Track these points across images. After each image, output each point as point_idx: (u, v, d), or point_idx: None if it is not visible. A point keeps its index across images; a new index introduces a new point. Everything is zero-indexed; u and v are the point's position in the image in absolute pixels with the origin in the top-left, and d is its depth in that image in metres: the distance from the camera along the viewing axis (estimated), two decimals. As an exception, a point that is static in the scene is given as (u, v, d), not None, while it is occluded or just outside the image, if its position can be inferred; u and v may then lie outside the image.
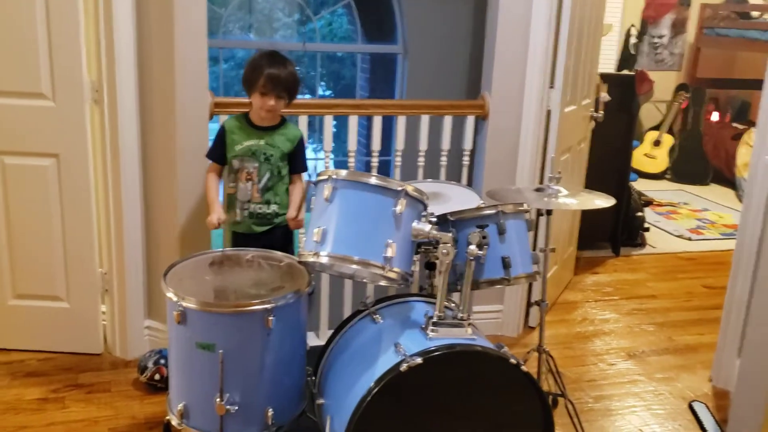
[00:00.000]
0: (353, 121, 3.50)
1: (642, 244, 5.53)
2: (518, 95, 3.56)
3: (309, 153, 3.18)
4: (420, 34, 4.17)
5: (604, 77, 4.67)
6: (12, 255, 3.31)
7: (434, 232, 2.28)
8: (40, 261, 3.31)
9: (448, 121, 3.60)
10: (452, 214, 2.49)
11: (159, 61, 3.13)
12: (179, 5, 3.02)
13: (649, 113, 8.01)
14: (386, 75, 4.79)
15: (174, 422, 2.46)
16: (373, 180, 2.28)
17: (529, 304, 3.90)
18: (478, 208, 2.53)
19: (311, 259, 2.29)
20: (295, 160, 3.02)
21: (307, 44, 5.22)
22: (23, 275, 3.34)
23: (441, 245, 2.26)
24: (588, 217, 4.76)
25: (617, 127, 5.09)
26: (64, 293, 3.36)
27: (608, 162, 5.00)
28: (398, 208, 2.25)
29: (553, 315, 4.17)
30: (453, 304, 2.48)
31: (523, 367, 2.22)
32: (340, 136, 4.89)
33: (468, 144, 3.66)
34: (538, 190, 2.90)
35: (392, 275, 2.26)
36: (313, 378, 2.58)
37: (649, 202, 6.44)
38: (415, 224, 2.30)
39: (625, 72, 7.24)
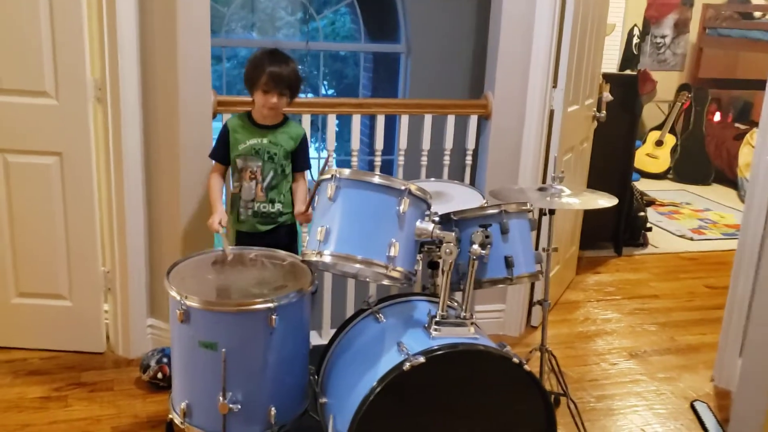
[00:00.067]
0: (356, 120, 3.51)
1: (644, 243, 5.53)
2: (521, 95, 3.56)
3: (312, 152, 3.18)
4: (423, 34, 4.17)
5: (607, 77, 4.67)
6: (15, 253, 3.31)
7: (437, 231, 2.28)
8: (42, 259, 3.32)
9: (451, 121, 3.60)
10: (455, 213, 2.49)
11: (162, 59, 3.13)
12: (182, 3, 3.02)
13: (651, 113, 8.00)
14: (389, 74, 4.80)
15: (177, 421, 2.47)
16: (377, 179, 2.28)
17: (531, 304, 3.91)
18: (481, 208, 2.53)
19: (314, 258, 2.29)
20: (298, 158, 3.02)
21: (310, 43, 5.22)
22: (26, 273, 3.34)
23: (444, 244, 2.26)
24: (590, 216, 4.77)
25: (620, 127, 5.09)
26: (67, 292, 3.37)
27: (611, 162, 5.00)
28: (401, 208, 2.25)
29: (555, 314, 4.17)
30: (456, 304, 2.48)
31: (526, 367, 2.22)
32: (342, 135, 4.90)
33: (471, 143, 3.66)
34: (540, 189, 2.90)
35: (395, 274, 2.26)
36: (316, 377, 2.59)
37: (651, 202, 6.44)
38: (418, 223, 2.30)
39: (628, 72, 7.24)
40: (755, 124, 5.28)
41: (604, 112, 4.41)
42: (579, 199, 2.85)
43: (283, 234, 3.01)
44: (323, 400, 2.47)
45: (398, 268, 2.25)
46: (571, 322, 4.12)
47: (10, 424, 2.88)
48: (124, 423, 2.93)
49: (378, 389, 2.11)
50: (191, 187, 3.22)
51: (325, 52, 7.14)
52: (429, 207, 2.36)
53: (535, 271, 2.59)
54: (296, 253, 2.85)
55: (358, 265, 2.28)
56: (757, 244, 3.22)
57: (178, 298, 2.33)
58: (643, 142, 7.87)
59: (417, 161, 3.60)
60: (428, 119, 3.57)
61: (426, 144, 3.59)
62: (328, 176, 2.32)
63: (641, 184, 6.96)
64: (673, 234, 5.92)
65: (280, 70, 2.85)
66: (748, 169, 6.82)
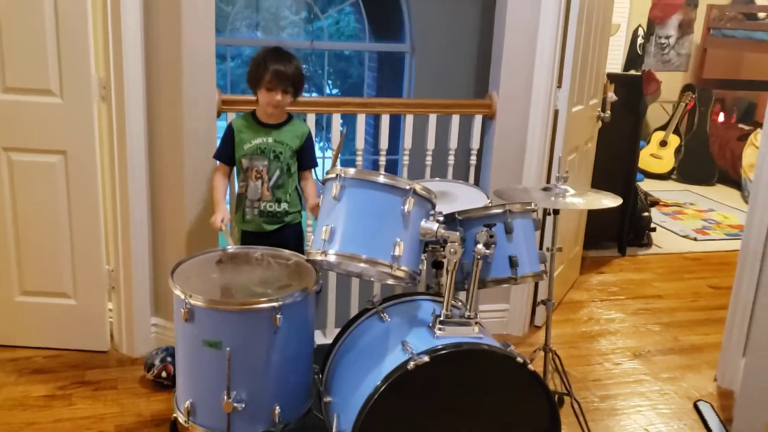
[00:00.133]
0: (361, 120, 3.51)
1: (648, 244, 5.53)
2: (526, 95, 3.56)
3: (317, 153, 3.18)
4: (428, 33, 4.17)
5: (611, 77, 4.67)
6: (19, 251, 3.32)
7: (442, 231, 2.28)
8: (47, 258, 3.32)
9: (455, 121, 3.60)
10: (460, 213, 2.49)
11: (166, 57, 3.13)
12: (187, 1, 3.01)
13: (655, 113, 7.99)
14: (394, 74, 4.79)
15: (181, 420, 2.47)
16: (382, 178, 2.28)
17: (535, 304, 3.91)
18: (486, 207, 2.53)
19: (319, 258, 2.29)
20: (304, 156, 3.02)
21: (315, 42, 5.22)
22: (30, 272, 3.35)
23: (448, 244, 2.26)
24: (594, 216, 4.76)
25: (624, 127, 5.09)
26: (71, 290, 3.37)
27: (615, 162, 5.00)
28: (406, 207, 2.25)
29: (559, 314, 4.17)
30: (460, 303, 2.48)
31: (530, 366, 2.22)
32: (347, 135, 4.88)
33: (475, 143, 3.66)
34: (545, 189, 2.90)
35: (400, 274, 2.26)
36: (320, 376, 2.59)
37: (655, 203, 6.44)
38: (423, 223, 2.30)
39: (632, 72, 7.24)
40: (759, 124, 5.29)
41: (609, 112, 4.41)
42: (583, 199, 2.85)
43: (288, 234, 3.01)
44: (327, 399, 2.47)
45: (403, 268, 2.25)
46: (575, 321, 4.12)
47: (15, 422, 2.89)
48: (128, 421, 2.93)
49: (382, 388, 2.11)
50: (195, 186, 3.22)
51: (329, 51, 7.14)
52: (434, 206, 2.36)
53: (539, 270, 2.59)
54: (303, 253, 2.85)
55: (362, 265, 2.28)
56: (760, 245, 3.21)
57: (183, 297, 2.33)
58: (647, 143, 7.87)
59: (421, 161, 3.60)
60: (433, 119, 3.57)
61: (430, 144, 3.59)
62: (333, 175, 2.32)
63: (645, 185, 6.95)
64: (677, 234, 5.92)
65: (284, 67, 2.85)
66: (751, 169, 6.81)
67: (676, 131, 7.89)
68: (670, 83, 7.92)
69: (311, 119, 3.31)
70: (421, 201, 2.30)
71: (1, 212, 3.26)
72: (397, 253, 2.23)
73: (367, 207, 2.29)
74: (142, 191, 3.28)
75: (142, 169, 3.25)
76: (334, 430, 2.31)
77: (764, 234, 3.20)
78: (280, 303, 2.31)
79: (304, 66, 2.97)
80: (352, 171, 2.32)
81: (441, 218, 2.36)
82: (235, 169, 3.02)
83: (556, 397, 2.95)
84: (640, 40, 7.81)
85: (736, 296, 3.39)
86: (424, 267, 2.58)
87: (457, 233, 2.26)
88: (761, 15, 7.93)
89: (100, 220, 3.29)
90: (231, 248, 2.76)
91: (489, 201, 2.87)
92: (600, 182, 4.13)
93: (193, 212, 3.26)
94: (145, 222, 3.33)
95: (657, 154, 7.86)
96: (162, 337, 3.43)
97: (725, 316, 3.47)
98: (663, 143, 7.86)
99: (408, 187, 2.26)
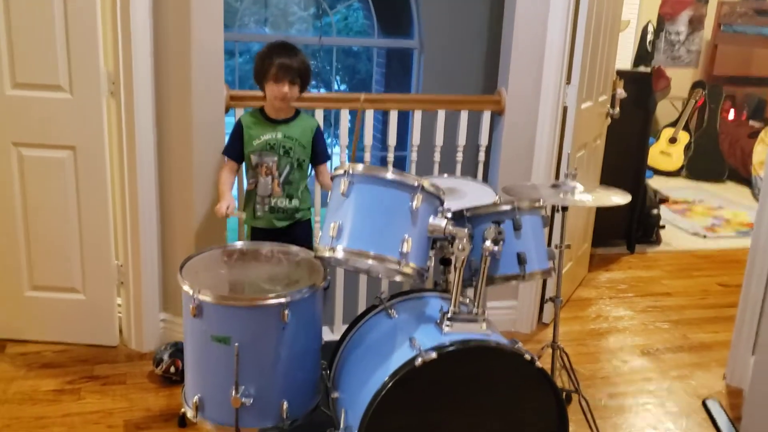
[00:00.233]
0: (369, 116, 3.50)
1: (657, 241, 5.51)
2: (535, 91, 3.55)
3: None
4: (436, 29, 4.16)
5: (621, 73, 4.65)
6: (29, 246, 3.33)
7: (450, 227, 2.28)
8: (56, 253, 3.34)
9: (464, 117, 3.60)
10: (468, 209, 2.49)
11: (175, 53, 3.13)
12: (196, -3, 3.03)
13: (665, 110, 7.96)
14: (402, 70, 4.80)
15: (189, 415, 2.48)
16: (390, 175, 2.28)
17: (543, 301, 3.90)
18: (494, 204, 2.53)
19: (327, 254, 2.28)
20: (316, 150, 3.02)
21: (323, 38, 5.22)
22: (40, 267, 3.36)
23: (457, 241, 2.26)
24: (603, 214, 4.74)
25: (633, 124, 5.07)
26: (81, 285, 3.38)
27: (624, 159, 4.99)
28: (414, 204, 2.24)
29: (567, 312, 4.16)
30: (468, 300, 2.48)
31: (538, 363, 2.21)
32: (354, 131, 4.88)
33: (484, 140, 3.65)
34: (553, 186, 2.89)
35: (408, 270, 2.25)
36: (328, 372, 2.59)
37: (664, 200, 6.41)
38: (431, 220, 2.29)
39: (642, 68, 7.21)
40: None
41: (618, 108, 4.40)
42: (592, 196, 2.84)
43: (299, 231, 3.01)
44: (335, 394, 2.47)
45: (411, 264, 2.25)
46: (583, 319, 4.11)
47: (24, 416, 2.90)
48: (137, 416, 2.94)
49: (390, 384, 2.11)
50: (204, 182, 3.23)
51: (337, 47, 7.14)
52: (442, 203, 2.36)
53: (548, 267, 2.59)
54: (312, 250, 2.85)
55: (370, 261, 2.27)
56: (771, 243, 3.20)
57: (191, 292, 2.34)
58: (657, 140, 7.84)
59: (430, 157, 3.60)
60: (441, 115, 3.57)
61: (439, 140, 3.58)
62: (341, 171, 2.32)
63: (654, 182, 6.93)
64: (686, 232, 5.90)
65: (289, 59, 2.85)
66: (761, 166, 6.79)
67: (686, 128, 7.86)
68: (680, 80, 7.89)
69: (319, 115, 3.31)
70: (430, 197, 2.30)
71: (11, 207, 3.27)
72: (405, 249, 2.23)
73: (375, 203, 2.29)
74: (151, 187, 3.29)
75: (150, 165, 3.26)
76: (341, 425, 2.31)
77: (774, 232, 3.19)
78: (289, 299, 2.32)
79: (312, 62, 2.97)
80: (360, 167, 2.31)
81: (449, 215, 2.36)
82: (243, 165, 3.02)
83: (564, 394, 2.94)
84: (649, 37, 7.76)
85: (746, 294, 3.37)
86: (432, 264, 2.58)
87: (466, 230, 2.26)
88: (772, 11, 7.89)
89: (109, 216, 3.30)
90: (240, 244, 2.76)
91: (497, 198, 2.86)
92: (609, 179, 4.12)
93: (201, 208, 3.26)
94: (154, 217, 3.33)
95: (666, 151, 7.83)
96: (170, 332, 3.44)
97: (734, 313, 3.45)
98: (672, 140, 7.83)
99: (416, 184, 2.25)
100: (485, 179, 3.70)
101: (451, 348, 2.16)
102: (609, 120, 4.47)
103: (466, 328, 2.30)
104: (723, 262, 5.21)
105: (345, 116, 3.46)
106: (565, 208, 2.86)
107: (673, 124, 7.90)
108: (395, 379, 2.12)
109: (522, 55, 3.51)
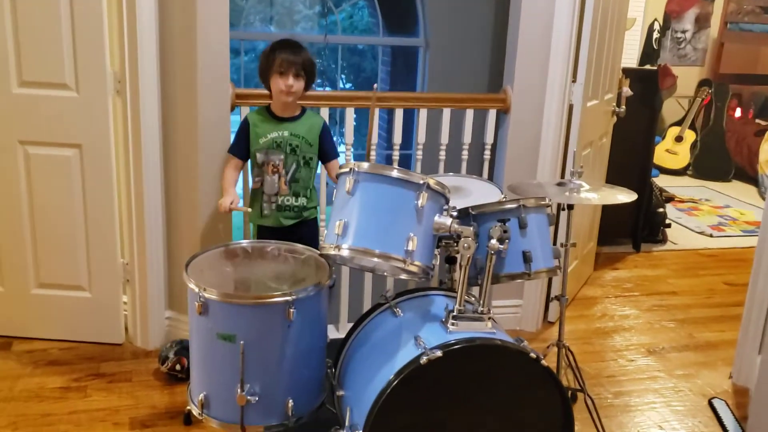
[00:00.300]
0: (374, 114, 3.49)
1: (663, 240, 5.50)
2: (540, 89, 3.54)
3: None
4: (441, 27, 4.16)
5: (627, 72, 4.64)
6: (35, 244, 3.34)
7: (455, 225, 2.27)
8: (62, 250, 3.34)
9: (469, 115, 3.59)
10: (474, 208, 2.48)
11: (181, 51, 3.14)
12: (202, -5, 3.03)
13: (671, 108, 7.95)
14: (407, 68, 4.80)
15: (195, 412, 2.48)
16: (395, 173, 2.28)
17: (548, 299, 3.89)
18: (500, 202, 2.53)
19: (332, 252, 2.29)
20: (324, 147, 3.02)
21: (328, 36, 5.22)
22: (46, 264, 3.37)
23: (462, 239, 2.25)
24: (609, 212, 4.74)
25: (639, 123, 5.06)
26: (86, 283, 3.39)
27: (630, 157, 4.97)
28: (420, 202, 2.24)
29: (573, 310, 4.16)
30: (473, 298, 2.48)
31: (543, 362, 2.21)
32: (360, 130, 4.89)
33: (489, 138, 3.65)
34: (559, 184, 2.89)
35: (413, 269, 2.25)
36: (333, 370, 2.59)
37: (670, 198, 6.39)
38: (436, 218, 2.29)
39: (648, 67, 7.19)
40: (777, 120, 5.25)
41: (624, 107, 4.39)
42: (598, 195, 2.83)
43: (305, 230, 3.01)
44: (340, 393, 2.47)
45: (416, 263, 2.25)
46: (589, 317, 4.11)
47: (31, 413, 2.91)
48: (143, 414, 2.95)
49: (395, 382, 2.11)
50: (210, 180, 3.23)
51: (343, 45, 7.15)
52: (447, 201, 2.36)
53: (553, 266, 2.59)
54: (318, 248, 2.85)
55: (375, 259, 2.28)
56: (777, 241, 3.19)
57: (197, 290, 2.34)
58: (663, 138, 7.82)
59: (435, 155, 3.60)
60: (447, 113, 3.56)
61: (444, 138, 3.58)
62: (347, 170, 2.32)
63: (660, 180, 6.91)
64: (692, 230, 5.88)
65: (293, 52, 2.86)
66: (768, 165, 6.77)
67: (692, 126, 7.84)
68: (687, 78, 7.86)
69: (325, 113, 3.31)
70: (435, 196, 2.30)
71: (17, 206, 3.28)
72: (410, 248, 2.23)
73: (381, 201, 2.29)
74: (157, 185, 3.30)
75: (156, 163, 3.27)
76: (346, 423, 2.31)
77: (781, 230, 3.18)
78: (294, 297, 2.32)
79: (317, 60, 2.97)
80: (365, 165, 2.31)
81: (455, 213, 2.36)
82: (249, 163, 3.02)
83: (570, 393, 2.94)
84: (656, 35, 7.75)
85: (752, 293, 3.36)
86: (438, 262, 2.58)
87: (471, 228, 2.26)
88: (779, 9, 7.88)
89: (114, 214, 3.31)
90: (245, 242, 2.77)
91: (503, 196, 2.86)
92: (615, 178, 4.10)
93: (207, 206, 3.26)
94: (160, 215, 3.34)
95: (672, 149, 7.81)
96: (176, 330, 3.45)
97: (741, 313, 3.44)
98: (679, 138, 7.81)
99: (422, 182, 2.25)
100: (491, 177, 3.70)
101: (456, 346, 2.16)
102: (615, 118, 4.46)
103: (472, 327, 2.29)
104: (729, 261, 5.20)
105: (350, 114, 3.45)
106: (570, 207, 2.85)
107: (680, 123, 7.88)
108: (401, 378, 2.12)
109: (528, 53, 3.50)
